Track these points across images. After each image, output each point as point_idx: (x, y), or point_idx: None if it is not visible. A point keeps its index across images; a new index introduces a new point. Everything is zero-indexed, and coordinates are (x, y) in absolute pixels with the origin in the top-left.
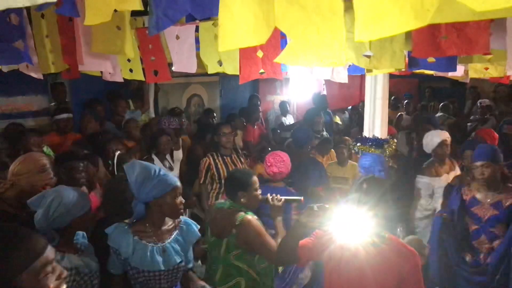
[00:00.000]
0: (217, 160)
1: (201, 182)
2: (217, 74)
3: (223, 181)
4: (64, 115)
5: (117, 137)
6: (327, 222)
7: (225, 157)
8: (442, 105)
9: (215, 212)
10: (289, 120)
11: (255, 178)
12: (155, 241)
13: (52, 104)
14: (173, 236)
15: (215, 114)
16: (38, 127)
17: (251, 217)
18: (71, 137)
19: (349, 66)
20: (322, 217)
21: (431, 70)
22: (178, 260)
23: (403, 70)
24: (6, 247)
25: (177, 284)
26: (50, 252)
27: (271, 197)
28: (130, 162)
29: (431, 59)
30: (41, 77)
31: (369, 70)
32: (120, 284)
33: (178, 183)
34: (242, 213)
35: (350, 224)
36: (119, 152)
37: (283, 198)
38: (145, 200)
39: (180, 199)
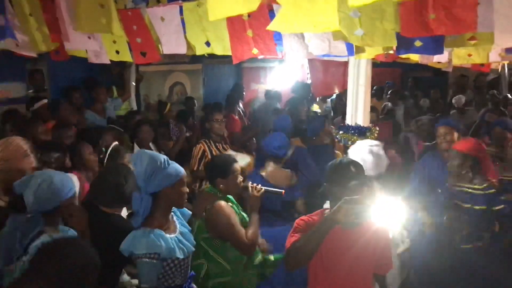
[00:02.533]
0: (211, 147)
1: (195, 169)
2: (200, 62)
3: None
4: (42, 101)
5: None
6: (363, 214)
7: (217, 144)
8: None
9: (199, 193)
10: None
11: (236, 166)
12: (174, 231)
13: (30, 91)
14: (177, 223)
15: (195, 102)
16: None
17: (224, 203)
18: (51, 125)
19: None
20: (359, 209)
21: (419, 53)
22: (193, 241)
23: (391, 52)
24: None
25: None
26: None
27: (251, 186)
28: (138, 153)
29: (418, 43)
30: (34, 55)
31: (359, 52)
32: None
33: (184, 171)
34: (217, 199)
35: (384, 214)
36: (116, 143)
37: (264, 188)
38: (155, 190)
39: (186, 188)
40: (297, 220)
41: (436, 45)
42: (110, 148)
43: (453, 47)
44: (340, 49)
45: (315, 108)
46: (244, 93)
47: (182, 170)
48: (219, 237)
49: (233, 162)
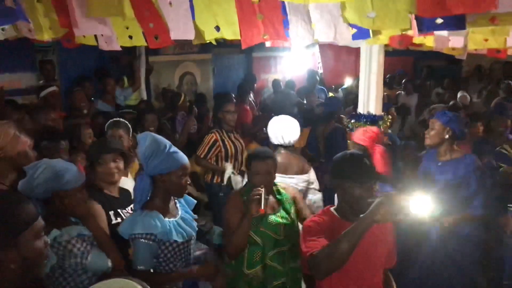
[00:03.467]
0: (223, 137)
1: (202, 156)
2: (210, 51)
3: (229, 160)
4: (50, 88)
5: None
6: (402, 211)
7: (229, 134)
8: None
9: None
10: None
11: (258, 164)
12: (174, 215)
13: (41, 82)
14: (179, 208)
15: (207, 98)
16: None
17: (234, 196)
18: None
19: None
20: (398, 206)
21: (441, 30)
22: (196, 228)
23: (410, 33)
24: (10, 205)
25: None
26: (41, 218)
27: (257, 188)
28: (144, 133)
29: (439, 20)
30: (49, 39)
31: (375, 34)
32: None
33: (186, 162)
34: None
35: (419, 210)
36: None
37: (262, 198)
38: (151, 174)
39: (187, 179)
40: (306, 222)
41: (458, 21)
42: (109, 122)
43: (474, 27)
44: (345, 36)
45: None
46: (255, 84)
47: (183, 160)
48: None
49: (257, 158)
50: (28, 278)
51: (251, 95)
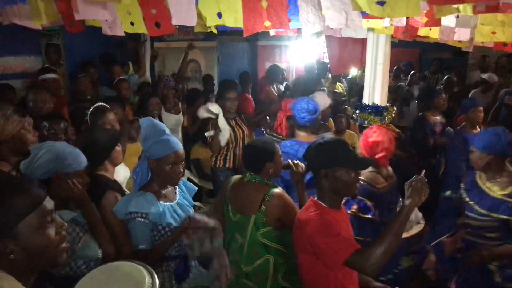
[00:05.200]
0: None
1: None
2: (215, 39)
3: (231, 145)
4: (50, 75)
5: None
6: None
7: (230, 120)
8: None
9: (236, 187)
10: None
11: (277, 145)
12: (170, 200)
13: (46, 66)
14: (177, 193)
15: (214, 80)
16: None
17: (281, 191)
18: (62, 99)
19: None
20: (427, 188)
21: None
22: (192, 212)
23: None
24: (5, 193)
25: None
26: (48, 202)
27: (292, 163)
28: (145, 118)
29: None
30: (39, 27)
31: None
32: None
33: (179, 149)
34: (269, 188)
35: None
36: (100, 103)
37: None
38: (146, 156)
39: (178, 166)
40: (318, 222)
41: None
42: (92, 108)
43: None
44: (356, 22)
45: (338, 87)
46: (280, 75)
47: (176, 147)
48: (282, 225)
49: (273, 141)
50: (38, 267)
51: (275, 86)
